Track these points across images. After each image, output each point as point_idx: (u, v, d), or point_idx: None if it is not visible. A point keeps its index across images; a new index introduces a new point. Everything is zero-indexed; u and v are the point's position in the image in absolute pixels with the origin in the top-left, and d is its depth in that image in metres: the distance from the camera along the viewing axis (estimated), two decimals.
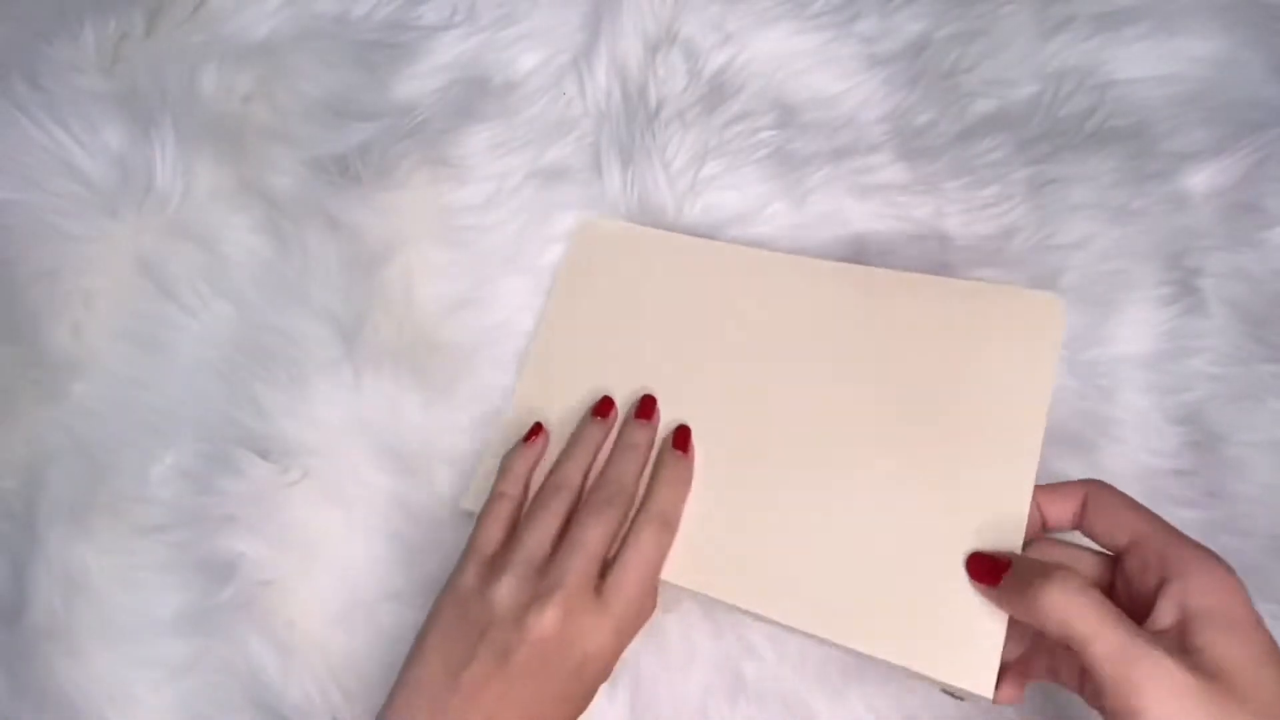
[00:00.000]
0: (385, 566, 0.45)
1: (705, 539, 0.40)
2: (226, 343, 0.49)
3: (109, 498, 0.46)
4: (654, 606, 0.40)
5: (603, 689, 0.38)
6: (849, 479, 0.40)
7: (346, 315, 0.49)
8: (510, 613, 0.36)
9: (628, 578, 0.38)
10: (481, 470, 0.46)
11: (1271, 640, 0.29)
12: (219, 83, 0.53)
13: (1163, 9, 0.55)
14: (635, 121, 0.54)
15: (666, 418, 0.44)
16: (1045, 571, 0.31)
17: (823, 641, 0.37)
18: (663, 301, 0.47)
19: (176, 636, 0.44)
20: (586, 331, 0.47)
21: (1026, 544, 0.36)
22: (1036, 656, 0.36)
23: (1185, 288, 0.48)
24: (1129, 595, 0.33)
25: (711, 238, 0.50)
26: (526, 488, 0.43)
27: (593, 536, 0.38)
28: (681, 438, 0.43)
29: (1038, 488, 0.36)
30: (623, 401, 0.45)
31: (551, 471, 0.42)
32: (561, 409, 0.46)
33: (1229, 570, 0.30)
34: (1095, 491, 0.35)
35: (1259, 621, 0.29)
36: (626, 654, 0.39)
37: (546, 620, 0.35)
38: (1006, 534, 0.36)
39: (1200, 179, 0.50)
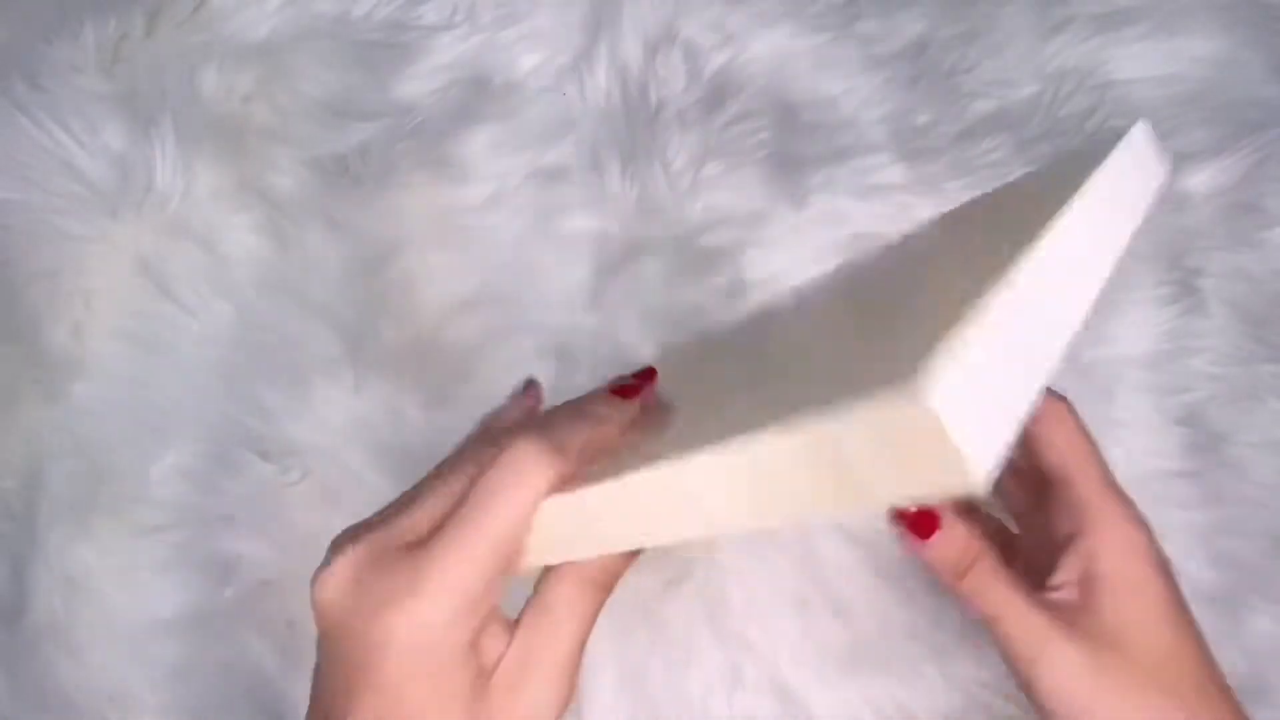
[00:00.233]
0: None
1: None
2: (226, 343, 0.49)
3: (109, 498, 0.46)
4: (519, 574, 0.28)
5: (603, 688, 0.38)
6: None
7: (347, 315, 0.49)
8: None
9: (465, 524, 0.26)
10: None
11: (1172, 594, 0.30)
12: (219, 83, 0.53)
13: (1163, 9, 0.55)
14: (635, 122, 0.54)
15: None
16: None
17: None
18: None
19: (176, 636, 0.44)
20: None
21: None
22: None
23: (1185, 288, 0.48)
24: (1034, 540, 0.34)
25: (712, 236, 0.50)
26: None
27: (443, 484, 0.28)
28: (636, 382, 0.31)
29: None
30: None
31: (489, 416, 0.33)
32: None
33: (1139, 525, 0.31)
34: (1054, 403, 0.34)
35: (1160, 576, 0.31)
36: (627, 653, 0.38)
37: (325, 583, 0.26)
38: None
39: (1200, 179, 0.50)
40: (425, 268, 0.51)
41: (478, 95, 0.55)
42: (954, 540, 0.31)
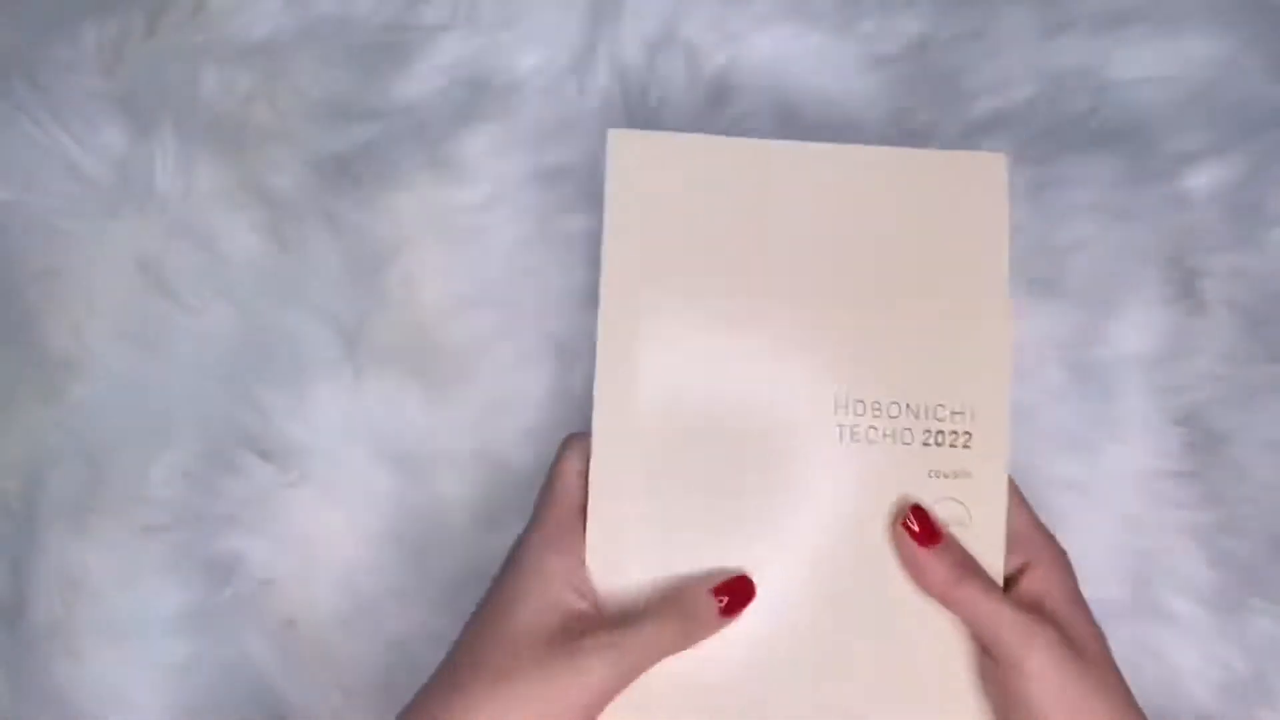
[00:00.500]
0: (385, 567, 0.45)
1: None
2: (226, 343, 0.49)
3: (109, 498, 0.46)
4: None
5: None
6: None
7: (347, 315, 0.49)
8: None
9: None
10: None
11: (1085, 604, 0.37)
12: (219, 83, 0.53)
13: (1163, 9, 0.55)
14: (635, 122, 0.54)
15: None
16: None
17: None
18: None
19: (176, 636, 0.44)
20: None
21: None
22: None
23: (1186, 288, 0.48)
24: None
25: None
26: None
27: None
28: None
29: None
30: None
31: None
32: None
33: (1063, 552, 0.38)
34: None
35: (1078, 590, 0.37)
36: None
37: None
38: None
39: (1201, 179, 0.50)
40: (425, 268, 0.51)
41: (478, 95, 0.55)
42: (954, 551, 0.37)
